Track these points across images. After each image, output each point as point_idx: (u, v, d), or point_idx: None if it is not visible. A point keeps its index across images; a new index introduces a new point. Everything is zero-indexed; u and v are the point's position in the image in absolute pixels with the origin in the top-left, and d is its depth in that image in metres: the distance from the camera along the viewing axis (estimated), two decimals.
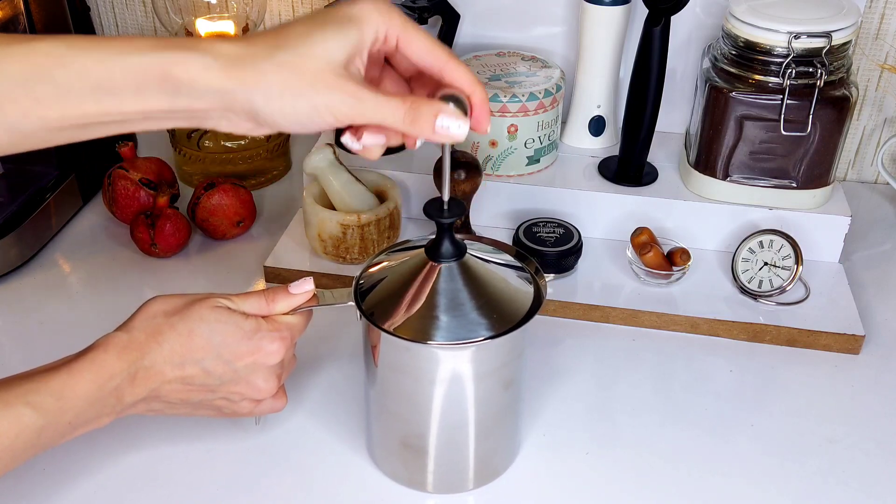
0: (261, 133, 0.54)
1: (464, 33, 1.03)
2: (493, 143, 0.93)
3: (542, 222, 0.90)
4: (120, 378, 0.59)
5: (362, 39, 0.53)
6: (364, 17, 0.53)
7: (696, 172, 0.91)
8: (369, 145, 0.56)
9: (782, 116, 0.84)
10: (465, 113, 0.54)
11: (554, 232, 0.89)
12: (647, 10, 0.86)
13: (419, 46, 0.55)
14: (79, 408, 0.58)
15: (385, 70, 0.59)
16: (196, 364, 0.61)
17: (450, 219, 0.60)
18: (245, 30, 1.04)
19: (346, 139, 0.56)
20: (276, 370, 0.64)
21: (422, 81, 0.59)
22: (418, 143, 0.56)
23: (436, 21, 1.00)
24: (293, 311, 0.64)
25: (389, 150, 0.64)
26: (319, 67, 0.51)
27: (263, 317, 0.63)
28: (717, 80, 0.86)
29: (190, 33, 1.03)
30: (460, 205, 0.61)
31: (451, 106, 0.53)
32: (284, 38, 0.52)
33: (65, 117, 0.51)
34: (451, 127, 0.53)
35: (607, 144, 1.01)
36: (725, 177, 0.90)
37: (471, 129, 0.55)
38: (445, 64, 0.55)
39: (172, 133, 1.05)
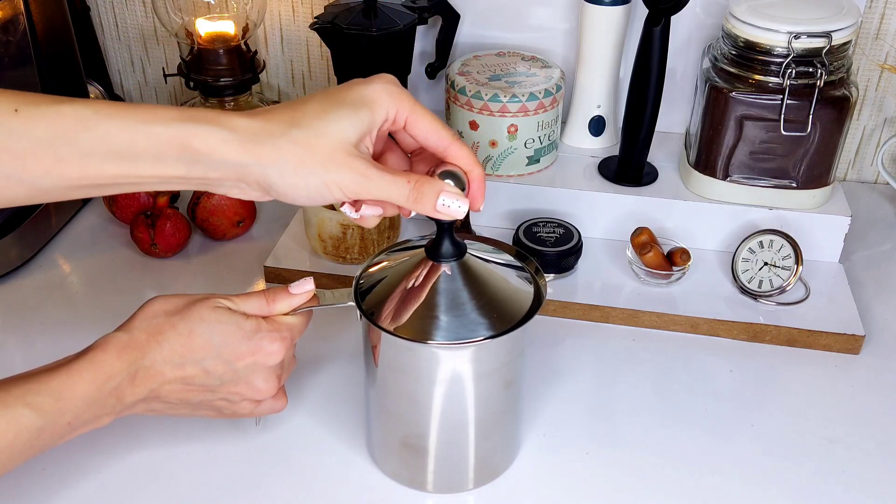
0: (267, 199, 0.57)
1: (464, 33, 1.03)
2: (493, 143, 0.93)
3: (542, 222, 0.90)
4: (119, 378, 0.59)
5: (374, 120, 0.56)
6: (377, 100, 0.56)
7: (696, 172, 0.91)
8: (367, 216, 0.60)
9: (782, 116, 0.84)
10: (463, 188, 0.58)
11: (554, 232, 0.89)
12: (647, 10, 0.86)
13: (426, 126, 0.58)
14: (78, 408, 0.58)
15: (388, 144, 0.62)
16: (196, 364, 0.61)
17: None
18: (245, 30, 1.04)
19: (346, 209, 0.59)
20: (276, 371, 0.64)
21: (422, 158, 0.62)
22: (413, 213, 0.59)
23: (436, 21, 1.00)
24: (293, 312, 0.64)
25: None
26: (333, 147, 0.54)
27: (264, 317, 0.63)
28: (717, 80, 0.86)
29: (190, 33, 1.03)
30: None
31: (452, 185, 0.57)
32: (301, 116, 0.55)
33: (84, 177, 0.53)
34: (451, 205, 0.57)
35: (607, 144, 1.01)
36: (725, 177, 0.90)
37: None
38: (449, 144, 0.59)
39: None
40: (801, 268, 0.86)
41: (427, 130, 0.59)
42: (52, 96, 0.53)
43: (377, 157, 0.61)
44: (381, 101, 0.56)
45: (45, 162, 0.52)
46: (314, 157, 0.54)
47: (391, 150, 0.62)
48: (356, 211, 0.59)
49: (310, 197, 0.55)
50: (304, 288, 0.64)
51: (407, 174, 0.57)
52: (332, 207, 0.89)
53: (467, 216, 0.90)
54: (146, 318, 0.61)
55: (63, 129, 0.52)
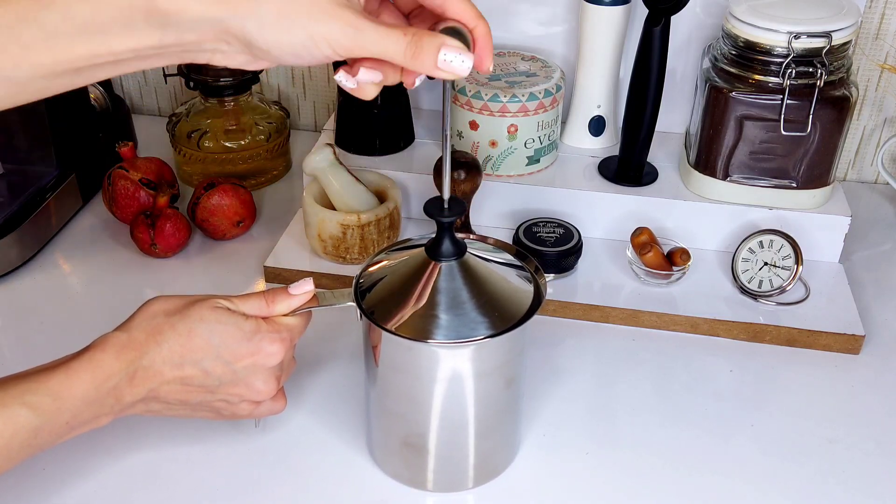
0: (257, 67, 0.52)
1: None
2: (493, 143, 0.93)
3: (542, 222, 0.90)
4: (118, 378, 0.59)
5: None
6: None
7: (696, 172, 0.91)
8: (364, 82, 0.53)
9: (782, 116, 0.84)
10: (469, 47, 0.52)
11: (554, 232, 0.89)
12: (647, 10, 0.86)
13: None
14: (76, 408, 0.58)
15: (383, 4, 0.56)
16: (195, 364, 0.61)
17: (450, 217, 0.60)
18: None
19: (341, 76, 0.53)
20: (275, 372, 0.64)
21: (421, 18, 0.56)
22: (417, 82, 0.54)
23: None
24: (294, 313, 0.64)
25: (385, 92, 0.58)
26: None
27: (263, 318, 0.63)
28: (717, 80, 0.86)
29: None
30: (461, 203, 0.61)
31: (454, 40, 0.51)
32: None
33: (57, 62, 0.49)
34: (454, 61, 0.50)
35: (607, 144, 1.01)
36: (725, 177, 0.90)
37: (475, 65, 0.53)
38: None
39: (172, 133, 1.05)
40: (801, 268, 0.86)
41: None
42: None
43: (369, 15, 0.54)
44: None
45: (11, 51, 0.48)
46: (296, 6, 0.48)
47: (386, 10, 0.56)
48: (353, 77, 0.53)
49: (296, 53, 0.49)
50: (304, 289, 0.64)
51: (404, 27, 0.51)
52: (331, 207, 0.89)
53: (467, 216, 0.91)
54: (145, 318, 0.61)
55: (21, 11, 0.48)
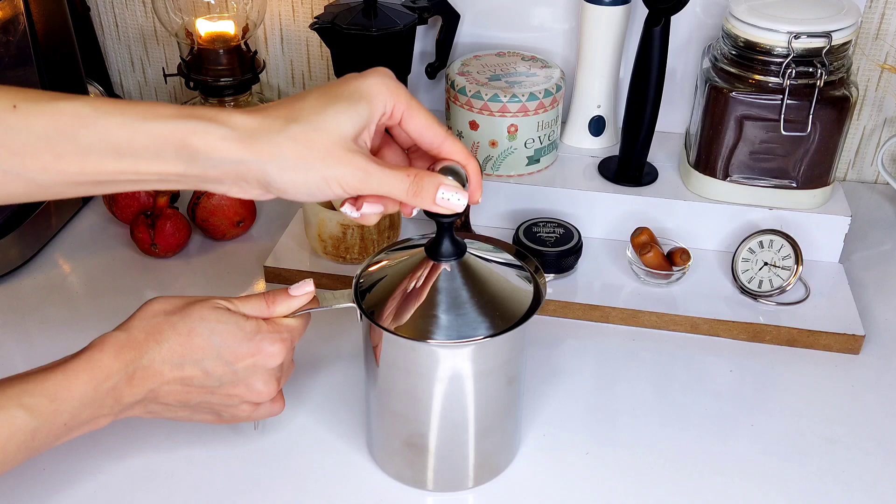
0: (268, 198, 0.56)
1: (464, 33, 1.03)
2: (493, 143, 0.93)
3: (542, 222, 0.90)
4: (117, 378, 0.59)
5: (372, 114, 0.56)
6: (374, 93, 0.56)
7: (696, 172, 0.91)
8: (368, 214, 0.59)
9: (782, 116, 0.84)
10: (464, 184, 0.58)
11: (554, 232, 0.89)
12: (647, 10, 0.86)
13: (421, 122, 0.58)
14: (74, 409, 0.57)
15: (385, 139, 0.62)
16: (195, 364, 0.60)
17: (450, 218, 0.60)
18: (245, 30, 1.04)
19: (346, 209, 0.59)
20: (275, 373, 0.64)
21: (419, 153, 0.62)
22: (414, 213, 0.59)
23: (436, 21, 1.00)
24: (294, 314, 0.64)
25: None
26: (332, 141, 0.54)
27: (264, 319, 0.63)
28: (717, 80, 0.86)
29: (190, 33, 1.03)
30: None
31: (451, 179, 0.57)
32: (299, 112, 0.54)
33: (83, 173, 0.53)
34: (451, 198, 0.57)
35: (607, 144, 1.01)
36: (725, 177, 0.90)
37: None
38: (444, 140, 0.59)
39: None
40: (801, 268, 0.86)
41: (422, 126, 0.59)
42: (51, 93, 0.53)
43: (375, 153, 0.60)
44: (379, 94, 0.56)
45: (43, 158, 0.52)
46: (313, 153, 0.53)
47: (388, 145, 0.62)
48: (357, 209, 0.59)
49: (310, 193, 0.55)
50: (304, 290, 0.64)
51: (406, 168, 0.57)
52: (331, 207, 0.89)
53: (467, 216, 0.91)
54: (145, 318, 0.61)
55: (62, 125, 0.52)
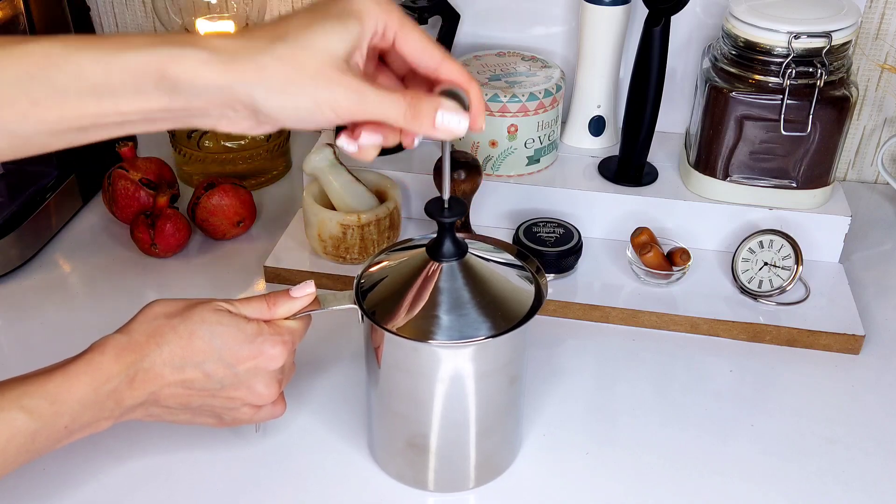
0: (261, 132, 0.53)
1: (464, 33, 1.03)
2: (493, 143, 0.93)
3: (542, 222, 0.90)
4: (117, 380, 0.58)
5: (363, 32, 0.52)
6: (364, 11, 0.52)
7: (696, 172, 0.91)
8: (366, 145, 0.55)
9: (782, 116, 0.84)
10: (465, 107, 0.54)
11: (554, 232, 0.89)
12: (647, 10, 0.86)
13: (416, 43, 0.54)
14: (74, 411, 0.57)
15: (379, 67, 0.58)
16: (197, 367, 0.60)
17: (451, 218, 0.60)
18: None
19: (342, 141, 0.55)
20: (276, 375, 0.63)
21: (415, 81, 0.58)
22: (416, 142, 0.56)
23: (436, 21, 1.00)
24: (295, 315, 0.64)
25: (385, 151, 0.63)
26: (321, 61, 0.50)
27: (265, 321, 0.63)
28: (717, 80, 0.86)
29: (190, 33, 1.03)
30: (462, 204, 0.61)
31: (451, 101, 0.53)
32: (284, 31, 0.51)
33: (63, 119, 0.50)
34: (451, 122, 0.53)
35: (607, 144, 1.01)
36: (725, 177, 0.90)
37: (470, 125, 0.55)
38: (441, 62, 0.55)
39: (172, 133, 1.05)
40: (801, 268, 0.86)
41: (417, 47, 0.55)
42: (21, 37, 0.50)
43: (369, 80, 0.56)
44: (370, 11, 0.52)
45: (19, 105, 0.49)
46: (302, 74, 0.50)
47: (382, 72, 0.58)
48: (354, 140, 0.55)
49: (301, 119, 0.51)
50: (305, 291, 0.64)
51: (402, 90, 0.53)
52: (331, 207, 0.89)
53: (467, 216, 0.91)
54: (146, 321, 0.61)
55: (34, 68, 0.49)
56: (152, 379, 0.59)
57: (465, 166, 0.85)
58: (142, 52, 0.49)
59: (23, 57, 0.48)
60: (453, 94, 0.54)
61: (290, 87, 0.50)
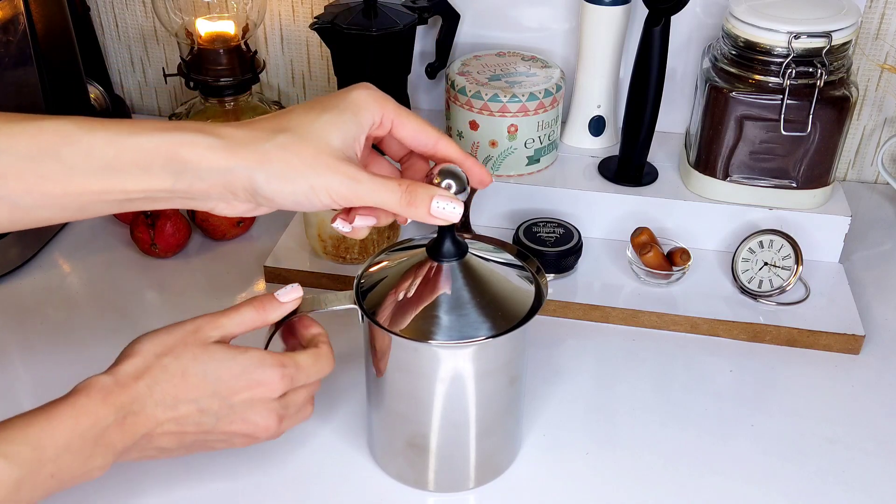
0: (257, 213, 0.56)
1: (464, 33, 1.03)
2: (493, 143, 0.93)
3: (542, 222, 0.90)
4: (105, 424, 0.55)
5: (360, 124, 0.56)
6: (362, 104, 0.56)
7: (696, 172, 0.92)
8: (359, 227, 0.59)
9: (782, 116, 0.84)
10: (464, 185, 0.57)
11: (554, 232, 0.89)
12: (647, 10, 0.86)
13: (412, 127, 0.58)
14: (59, 458, 0.53)
15: (373, 155, 0.62)
16: (191, 403, 0.58)
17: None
18: (245, 30, 1.04)
19: (338, 223, 0.59)
20: (274, 406, 0.60)
21: (413, 159, 0.62)
22: (409, 221, 0.58)
23: (436, 21, 1.00)
24: (293, 316, 0.64)
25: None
26: (320, 150, 0.53)
27: (284, 337, 0.63)
28: (717, 80, 0.86)
29: (190, 33, 1.03)
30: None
31: (446, 187, 0.57)
32: (287, 123, 0.54)
33: (67, 195, 0.52)
34: (446, 209, 0.56)
35: (607, 144, 1.01)
36: (725, 177, 0.90)
37: (476, 185, 0.60)
38: (437, 141, 0.59)
39: None
40: (801, 268, 0.86)
41: (414, 130, 0.58)
42: (32, 115, 0.52)
43: (364, 167, 0.58)
44: (367, 105, 0.56)
45: (27, 180, 0.51)
46: (301, 161, 0.53)
47: (377, 161, 0.62)
48: (349, 223, 0.58)
49: (297, 202, 0.54)
50: (292, 295, 0.62)
51: (398, 178, 0.56)
52: None
53: (467, 216, 0.91)
54: (132, 360, 0.58)
55: (45, 144, 0.51)
56: (143, 421, 0.57)
57: None
58: (155, 136, 0.52)
59: (37, 134, 0.51)
60: (451, 172, 0.57)
61: (290, 172, 0.53)
